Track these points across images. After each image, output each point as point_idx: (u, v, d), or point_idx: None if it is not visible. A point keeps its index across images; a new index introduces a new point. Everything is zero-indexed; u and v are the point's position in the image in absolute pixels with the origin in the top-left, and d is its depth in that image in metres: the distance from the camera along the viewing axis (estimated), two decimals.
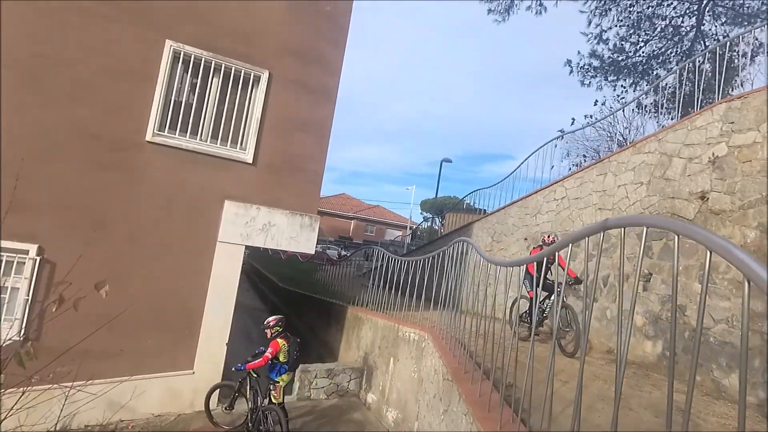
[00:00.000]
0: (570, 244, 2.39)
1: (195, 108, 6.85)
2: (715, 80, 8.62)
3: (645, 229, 1.60)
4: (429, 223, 26.79)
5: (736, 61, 9.31)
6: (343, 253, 22.87)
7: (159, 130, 6.57)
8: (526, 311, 6.07)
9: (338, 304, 10.07)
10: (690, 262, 5.43)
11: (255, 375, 5.91)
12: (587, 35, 14.62)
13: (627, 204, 6.43)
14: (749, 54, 8.50)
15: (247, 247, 7.16)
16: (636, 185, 6.38)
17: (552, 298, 5.86)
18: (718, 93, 7.21)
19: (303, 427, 6.56)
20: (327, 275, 15.14)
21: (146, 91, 6.33)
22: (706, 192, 5.35)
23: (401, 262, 7.66)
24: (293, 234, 7.16)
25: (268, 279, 19.75)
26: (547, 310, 5.90)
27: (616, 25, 14.17)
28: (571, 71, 15.09)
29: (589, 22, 14.44)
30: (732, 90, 10.49)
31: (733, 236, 5.05)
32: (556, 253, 2.59)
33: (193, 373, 6.70)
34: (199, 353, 6.76)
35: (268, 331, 5.80)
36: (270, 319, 5.89)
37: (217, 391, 6.44)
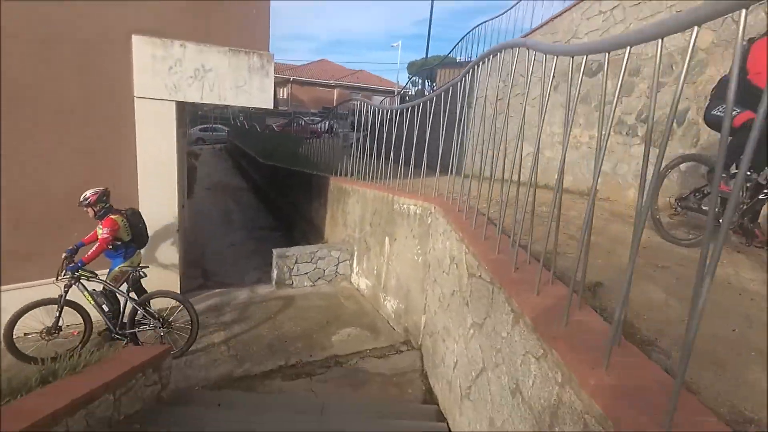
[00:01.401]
0: None
1: None
2: None
3: None
4: (418, 86, 23.75)
5: None
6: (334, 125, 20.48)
7: None
8: (699, 191, 3.10)
9: (319, 176, 8.31)
10: None
11: (89, 272, 4.17)
12: None
13: None
14: None
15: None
16: None
17: None
18: None
19: (284, 321, 5.27)
20: (311, 148, 13.15)
21: None
22: None
23: (392, 113, 5.68)
24: (240, 82, 5.03)
25: (250, 157, 17.81)
26: None
27: None
28: None
29: None
30: None
31: None
32: None
33: None
34: None
35: (90, 210, 4.11)
36: (87, 194, 4.11)
37: (30, 313, 3.99)
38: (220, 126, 28.33)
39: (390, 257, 5.32)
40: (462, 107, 3.91)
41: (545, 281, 2.19)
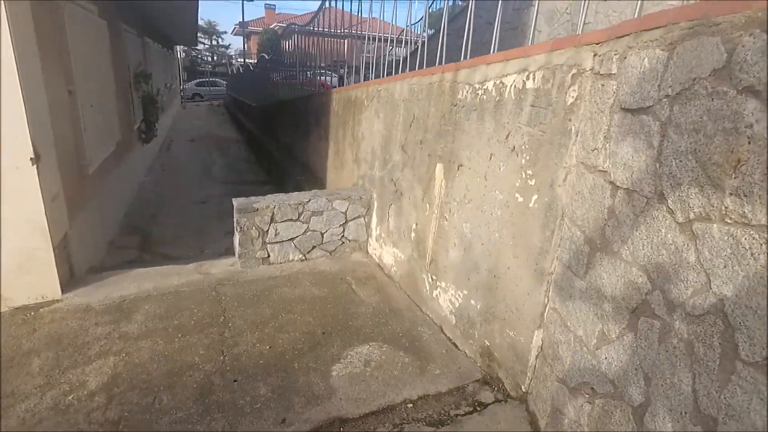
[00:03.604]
0: None
1: None
2: None
3: None
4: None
5: None
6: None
7: None
8: None
9: (316, 95, 5.54)
10: None
11: None
12: None
13: None
14: None
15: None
16: None
17: None
18: None
19: (242, 331, 2.69)
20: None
21: None
22: None
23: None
24: None
25: (246, 106, 15.07)
26: None
27: None
28: None
29: None
30: None
31: None
32: None
33: None
34: None
35: None
36: None
37: None
38: (218, 81, 25.36)
39: (447, 204, 2.58)
40: None
41: None
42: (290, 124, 7.31)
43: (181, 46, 25.47)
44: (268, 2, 32.17)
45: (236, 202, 3.53)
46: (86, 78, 4.13)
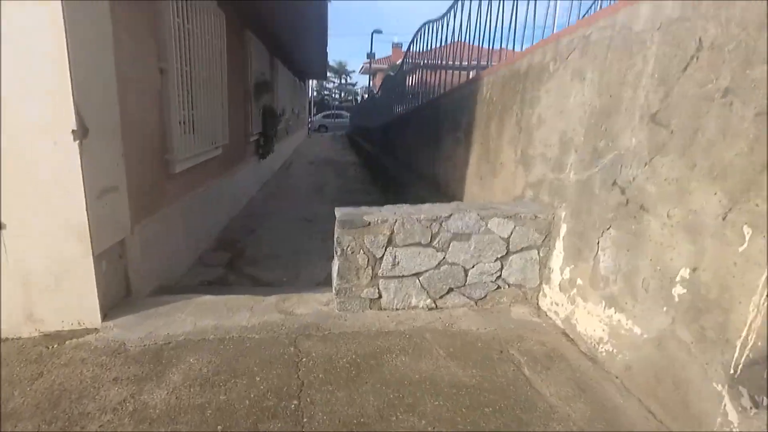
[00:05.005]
0: None
1: None
2: None
3: None
4: None
5: None
6: None
7: None
8: None
9: (453, 91, 4.22)
10: None
11: None
12: None
13: None
14: None
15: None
16: None
17: None
18: None
19: None
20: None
21: None
22: None
23: None
24: None
25: (365, 129, 14.74)
26: None
27: None
28: None
29: None
30: None
31: None
32: None
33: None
34: None
35: None
36: None
37: None
38: (343, 113, 26.14)
39: None
40: None
41: None
42: (413, 135, 6.12)
43: (314, 83, 26.95)
44: (395, 41, 32.96)
45: (339, 212, 2.26)
46: (187, 62, 3.35)
